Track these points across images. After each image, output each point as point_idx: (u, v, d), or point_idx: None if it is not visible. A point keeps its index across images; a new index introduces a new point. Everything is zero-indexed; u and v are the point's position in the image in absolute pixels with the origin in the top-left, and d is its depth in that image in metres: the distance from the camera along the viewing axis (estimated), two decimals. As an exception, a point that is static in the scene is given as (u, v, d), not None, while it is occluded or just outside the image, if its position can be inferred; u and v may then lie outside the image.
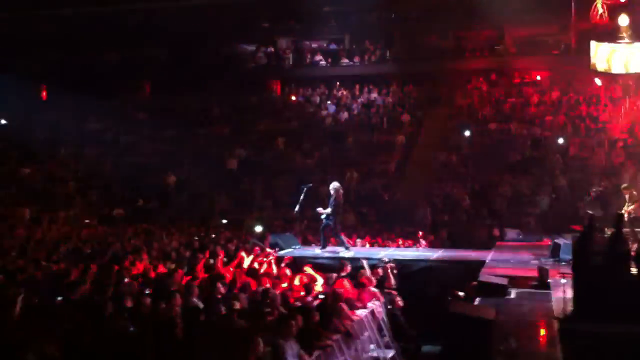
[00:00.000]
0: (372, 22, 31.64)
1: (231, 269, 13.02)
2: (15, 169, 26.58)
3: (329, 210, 15.51)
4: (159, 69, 32.75)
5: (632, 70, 21.66)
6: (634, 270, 9.85)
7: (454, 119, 27.37)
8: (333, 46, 33.38)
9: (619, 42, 21.15)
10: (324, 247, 15.87)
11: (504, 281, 12.25)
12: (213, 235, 18.01)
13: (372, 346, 10.90)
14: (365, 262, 13.67)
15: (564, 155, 23.73)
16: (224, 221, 21.90)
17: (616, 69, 21.75)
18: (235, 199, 24.37)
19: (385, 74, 31.39)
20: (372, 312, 11.46)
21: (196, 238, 17.29)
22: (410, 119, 28.15)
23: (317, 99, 31.44)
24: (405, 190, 23.40)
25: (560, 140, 24.39)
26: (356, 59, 32.30)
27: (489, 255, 15.27)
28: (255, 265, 13.42)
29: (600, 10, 21.68)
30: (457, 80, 29.72)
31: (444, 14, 29.73)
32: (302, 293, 11.29)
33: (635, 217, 14.59)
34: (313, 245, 17.06)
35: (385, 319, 11.84)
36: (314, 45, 33.73)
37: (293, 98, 32.20)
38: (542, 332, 9.89)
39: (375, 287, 12.40)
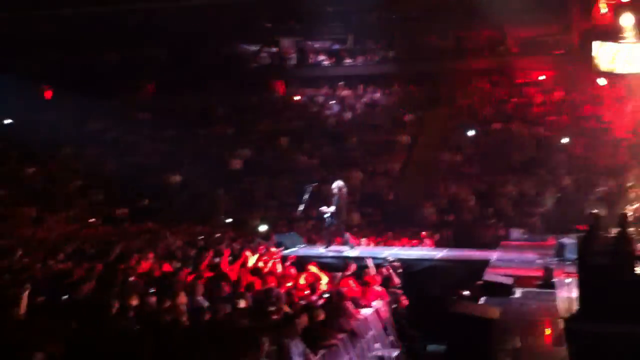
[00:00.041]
0: (375, 22, 31.62)
1: (236, 268, 13.01)
2: (19, 169, 26.63)
3: (332, 208, 15.51)
4: (161, 69, 32.77)
5: (636, 70, 21.65)
6: (638, 270, 9.85)
7: (458, 119, 27.36)
8: (336, 46, 33.38)
9: (623, 42, 21.14)
10: (327, 246, 15.88)
11: (509, 281, 12.25)
12: (217, 235, 18.01)
13: (376, 345, 10.89)
14: (370, 262, 13.67)
15: (569, 155, 23.71)
16: (228, 221, 21.93)
17: (620, 69, 21.74)
18: (238, 199, 24.39)
19: (388, 74, 31.39)
20: (377, 311, 11.45)
21: (201, 237, 17.29)
22: (414, 119, 28.14)
23: (320, 99, 31.45)
24: (410, 190, 23.39)
25: (565, 140, 24.36)
26: (359, 59, 32.30)
27: (493, 255, 15.26)
28: (260, 264, 13.41)
29: (604, 10, 21.69)
30: (460, 80, 29.72)
31: (446, 14, 29.72)
32: (307, 292, 11.28)
33: (640, 216, 14.60)
34: (317, 244, 17.05)
35: (390, 318, 11.83)
36: (317, 45, 33.73)
37: (296, 98, 32.22)
38: (547, 331, 9.89)
39: (380, 286, 12.40)
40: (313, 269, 12.86)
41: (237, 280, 11.55)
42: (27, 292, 9.17)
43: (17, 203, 23.02)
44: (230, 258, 13.73)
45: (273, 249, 14.93)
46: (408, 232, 19.64)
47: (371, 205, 22.79)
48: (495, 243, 17.78)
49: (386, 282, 12.87)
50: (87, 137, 28.55)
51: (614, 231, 11.06)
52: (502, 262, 14.39)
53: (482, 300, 11.63)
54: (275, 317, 9.44)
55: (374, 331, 10.93)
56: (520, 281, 12.54)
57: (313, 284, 11.67)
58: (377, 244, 18.36)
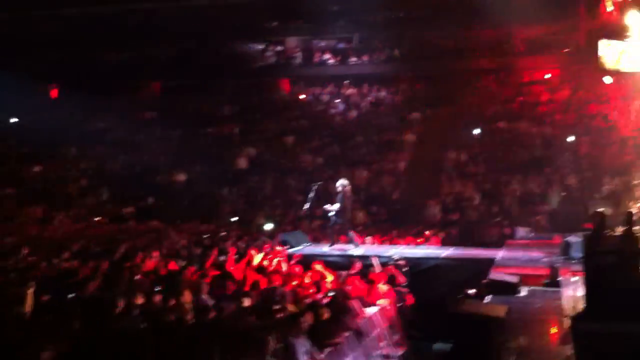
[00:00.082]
0: (381, 21, 31.59)
1: (241, 267, 13.04)
2: (25, 168, 26.71)
3: (336, 206, 15.50)
4: (166, 69, 32.80)
5: (642, 69, 21.58)
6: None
7: (463, 118, 27.31)
8: (341, 45, 33.37)
9: (628, 40, 21.06)
10: (332, 244, 15.88)
11: (515, 279, 12.24)
12: (223, 233, 18.04)
13: (382, 344, 10.89)
14: (375, 260, 13.67)
15: (575, 153, 23.66)
16: (234, 219, 21.96)
17: (626, 67, 21.67)
18: (244, 198, 24.42)
19: (394, 73, 31.37)
20: (382, 310, 11.45)
21: (206, 236, 17.32)
22: (420, 118, 28.12)
23: (326, 98, 31.45)
24: (415, 188, 23.36)
25: (570, 139, 24.32)
26: (365, 58, 32.28)
27: (499, 253, 15.26)
28: (265, 262, 13.43)
29: (610, 8, 21.62)
30: (466, 79, 29.66)
31: (452, 13, 29.64)
32: (312, 290, 11.28)
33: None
34: (323, 242, 17.06)
35: (396, 317, 11.82)
36: (322, 44, 33.73)
37: (302, 97, 32.23)
38: (553, 330, 9.88)
39: (385, 284, 12.40)
40: (318, 267, 12.87)
41: (243, 279, 11.57)
42: (32, 290, 9.22)
43: (23, 202, 23.10)
44: (236, 257, 13.76)
45: (278, 248, 14.95)
46: (413, 231, 19.62)
47: (376, 204, 22.79)
48: (501, 242, 17.78)
49: (391, 280, 12.87)
50: (92, 136, 28.61)
51: (620, 230, 11.01)
52: (508, 260, 14.38)
53: (487, 298, 11.63)
54: (280, 315, 9.45)
55: (379, 330, 10.92)
56: (526, 280, 12.54)
57: (318, 283, 11.69)
58: (382, 242, 18.35)
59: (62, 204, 23.23)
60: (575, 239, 14.33)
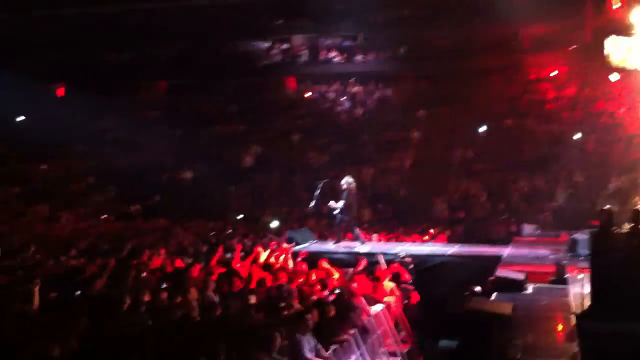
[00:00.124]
0: (387, 19, 31.54)
1: (247, 264, 13.05)
2: (32, 167, 26.80)
3: (340, 204, 15.51)
4: (172, 67, 32.84)
5: (648, 66, 21.45)
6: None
7: (470, 116, 27.26)
8: (347, 43, 33.34)
9: (635, 37, 20.96)
10: (338, 242, 15.89)
11: (521, 276, 12.22)
12: (229, 231, 18.08)
13: (388, 341, 10.89)
14: (381, 258, 13.67)
15: (581, 151, 23.60)
16: (240, 217, 22.00)
17: (632, 64, 21.56)
18: (250, 195, 24.45)
19: (399, 71, 31.33)
20: (388, 307, 11.44)
21: (212, 233, 17.36)
22: (426, 116, 28.08)
23: (332, 96, 31.44)
24: (421, 186, 23.35)
25: (577, 136, 24.26)
26: (371, 56, 32.25)
27: (505, 251, 15.26)
28: (272, 260, 13.44)
29: (616, 5, 21.52)
30: (473, 76, 29.59)
31: (459, 11, 29.58)
32: (318, 288, 11.29)
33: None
34: (329, 240, 17.08)
35: (401, 314, 11.82)
36: (328, 42, 33.71)
37: (308, 94, 32.22)
38: (559, 327, 9.86)
39: (391, 282, 12.40)
40: (324, 265, 12.88)
41: (249, 276, 11.58)
42: (37, 288, 9.24)
43: (30, 201, 23.17)
44: (242, 254, 13.78)
45: (285, 245, 14.96)
46: (419, 228, 19.62)
47: (382, 202, 22.79)
48: (508, 239, 17.76)
49: (397, 278, 12.87)
50: (99, 134, 28.68)
51: (626, 227, 10.98)
52: (514, 258, 14.36)
53: (494, 296, 11.61)
54: (286, 313, 9.46)
55: (385, 327, 10.92)
56: (532, 277, 12.51)
57: (324, 280, 11.68)
58: (388, 240, 18.35)
59: (68, 202, 23.28)
60: (582, 236, 14.32)
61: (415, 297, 12.73)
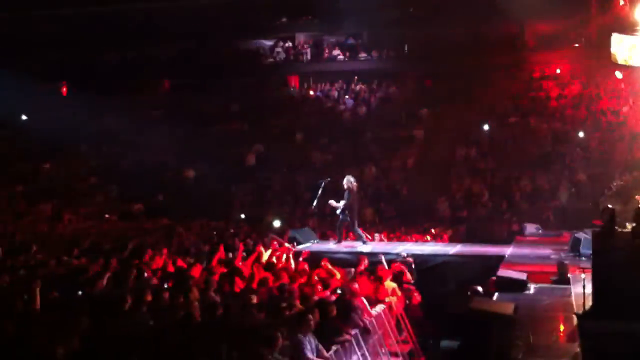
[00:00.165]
0: (390, 17, 31.50)
1: (249, 264, 13.05)
2: (35, 166, 26.85)
3: (341, 203, 15.51)
4: (175, 66, 32.86)
5: (651, 64, 21.38)
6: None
7: (473, 114, 27.23)
8: (350, 41, 33.32)
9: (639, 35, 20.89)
10: (339, 241, 15.88)
11: (523, 276, 12.20)
12: (232, 230, 18.09)
13: (389, 341, 10.88)
14: (383, 258, 13.66)
15: (585, 149, 23.56)
16: (243, 216, 22.00)
17: (636, 62, 21.48)
18: (253, 195, 24.45)
19: (403, 69, 31.30)
20: (390, 307, 11.43)
21: (214, 233, 17.37)
22: (429, 114, 28.05)
23: (335, 94, 31.43)
24: (424, 185, 23.33)
25: (581, 135, 24.22)
26: (374, 54, 32.23)
27: (508, 250, 15.22)
28: (274, 260, 13.44)
29: (621, 2, 21.46)
30: (476, 74, 29.55)
31: (463, 9, 29.54)
32: (320, 288, 11.28)
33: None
34: (331, 239, 17.07)
35: (403, 314, 11.81)
36: (332, 40, 33.71)
37: (311, 93, 32.22)
38: (561, 327, 9.84)
39: (393, 282, 12.38)
40: (326, 264, 12.87)
41: (251, 276, 11.59)
42: (38, 288, 9.26)
43: (32, 200, 23.21)
44: (244, 254, 13.79)
45: (287, 245, 14.96)
46: (422, 228, 19.59)
47: (385, 201, 22.77)
48: (510, 238, 17.74)
49: (399, 278, 12.85)
50: (102, 134, 28.72)
51: (629, 226, 10.94)
52: (517, 257, 14.34)
53: (496, 296, 11.59)
54: (288, 312, 9.46)
55: (387, 327, 10.92)
56: (534, 277, 12.49)
57: (326, 280, 11.68)
58: (390, 239, 18.34)
59: (71, 202, 23.32)
60: (584, 235, 14.26)
61: (417, 297, 12.71)
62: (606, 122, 24.94)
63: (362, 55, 32.39)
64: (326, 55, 33.04)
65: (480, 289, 12.20)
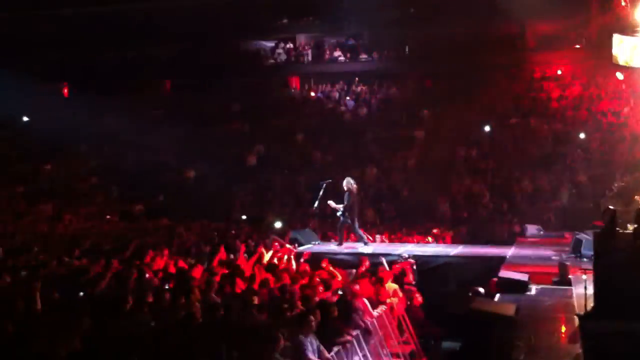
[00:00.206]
0: (391, 18, 31.49)
1: (250, 264, 13.05)
2: (35, 166, 26.85)
3: (341, 205, 15.53)
4: (176, 67, 32.86)
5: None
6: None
7: (474, 114, 27.22)
8: (351, 41, 33.32)
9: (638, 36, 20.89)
10: (340, 243, 15.89)
11: (525, 277, 12.19)
12: (233, 231, 18.09)
13: (390, 342, 10.88)
14: (384, 259, 13.67)
15: (586, 150, 23.55)
16: (244, 217, 22.00)
17: (638, 63, 21.48)
18: (254, 195, 24.45)
19: (404, 69, 31.30)
20: (391, 308, 11.44)
21: (215, 234, 17.37)
22: (430, 115, 28.04)
23: (336, 95, 31.43)
24: (425, 185, 23.31)
25: (582, 135, 24.21)
26: (375, 55, 32.23)
27: (509, 251, 15.21)
28: (275, 261, 13.44)
29: (623, 3, 21.44)
30: (477, 75, 29.53)
31: (464, 9, 29.52)
32: (321, 289, 11.28)
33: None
34: (332, 241, 17.07)
35: (404, 315, 11.81)
36: (333, 41, 33.71)
37: (312, 94, 32.22)
38: (563, 328, 9.83)
39: (394, 283, 12.38)
40: (327, 265, 12.87)
41: (252, 277, 11.58)
42: (38, 291, 9.26)
43: (33, 200, 23.22)
44: (245, 255, 13.79)
45: (288, 246, 14.96)
46: (423, 229, 19.58)
47: (386, 201, 22.76)
48: (511, 239, 17.73)
49: (400, 279, 12.85)
50: (103, 134, 28.72)
51: (631, 227, 10.94)
52: (518, 258, 14.33)
53: (497, 297, 11.59)
54: (289, 313, 9.45)
55: (388, 328, 10.92)
56: (535, 278, 12.48)
57: (327, 281, 11.68)
58: (391, 240, 18.33)
59: (72, 202, 23.32)
60: (585, 236, 14.25)
61: (418, 298, 12.71)
62: (607, 123, 24.92)
63: (363, 56, 32.39)
64: (327, 56, 33.04)
65: (481, 290, 12.21)
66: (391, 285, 12.08)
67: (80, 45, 31.94)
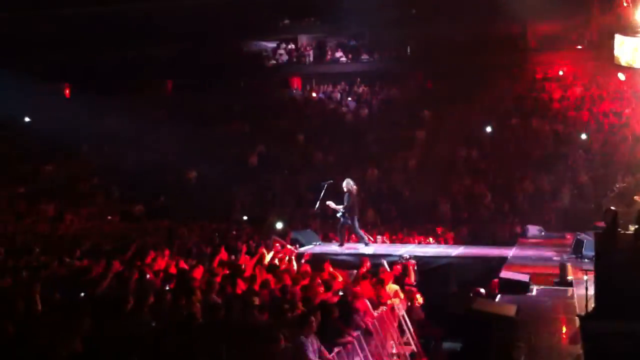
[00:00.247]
0: (392, 18, 31.49)
1: (251, 265, 13.04)
2: (36, 166, 26.87)
3: (341, 207, 15.55)
4: (177, 67, 32.87)
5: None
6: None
7: (475, 115, 27.21)
8: (353, 42, 33.33)
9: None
10: (341, 244, 15.89)
11: (526, 278, 12.19)
12: (234, 232, 18.08)
13: (392, 343, 10.87)
14: (385, 262, 13.67)
15: (587, 151, 23.54)
16: (245, 218, 21.99)
17: (639, 64, 21.47)
18: (255, 196, 24.44)
19: (405, 70, 31.29)
20: (392, 309, 11.43)
21: (217, 234, 17.37)
22: (431, 115, 28.03)
23: (338, 96, 31.43)
24: (426, 186, 23.30)
25: (583, 136, 24.20)
26: (376, 55, 32.22)
27: (510, 252, 15.22)
28: (276, 261, 13.44)
29: (625, 3, 21.43)
30: (479, 75, 29.52)
31: (465, 10, 29.52)
32: (322, 290, 11.27)
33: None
34: (333, 242, 17.07)
35: (405, 316, 11.80)
36: (334, 41, 33.71)
37: (313, 95, 32.22)
38: (564, 329, 9.83)
39: (395, 283, 12.37)
40: (328, 266, 12.86)
41: (253, 278, 11.58)
42: (38, 293, 9.26)
43: (35, 201, 23.23)
44: (246, 255, 13.78)
45: (289, 246, 14.95)
46: (424, 229, 19.58)
47: (387, 202, 22.75)
48: (512, 240, 17.73)
49: (402, 279, 12.84)
50: (104, 134, 28.73)
51: (632, 228, 10.93)
52: (519, 259, 14.33)
53: (498, 297, 11.59)
54: (290, 314, 9.45)
55: (389, 329, 10.90)
56: (536, 278, 12.48)
57: (328, 282, 11.67)
58: (392, 241, 18.33)
59: (73, 203, 23.32)
60: (586, 237, 14.25)
61: (419, 299, 12.71)
62: (608, 123, 24.91)
63: (364, 57, 32.39)
64: (328, 57, 33.05)
65: (482, 290, 12.21)
66: (392, 286, 12.07)
67: (81, 45, 31.95)
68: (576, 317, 9.75)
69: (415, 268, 13.61)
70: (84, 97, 29.21)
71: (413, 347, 11.42)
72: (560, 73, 29.70)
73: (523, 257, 14.70)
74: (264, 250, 13.91)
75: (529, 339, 9.14)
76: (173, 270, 12.37)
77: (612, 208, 11.56)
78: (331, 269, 12.70)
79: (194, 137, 27.90)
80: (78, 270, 12.16)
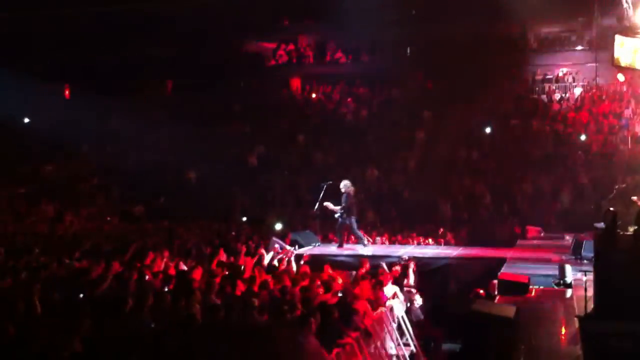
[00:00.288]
0: (393, 19, 31.48)
1: (251, 266, 13.05)
2: (37, 166, 26.86)
3: (339, 207, 15.56)
4: (177, 67, 32.86)
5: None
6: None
7: (475, 115, 27.20)
8: (353, 43, 33.30)
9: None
10: (340, 245, 15.89)
11: (525, 279, 12.19)
12: (234, 233, 18.09)
13: (391, 344, 10.87)
14: (384, 263, 13.68)
15: (587, 152, 23.54)
16: (244, 219, 21.99)
17: (639, 65, 21.48)
18: (255, 196, 24.43)
19: (405, 70, 31.29)
20: (392, 310, 11.43)
21: (216, 235, 17.37)
22: (431, 115, 28.02)
23: (337, 96, 31.41)
24: (426, 186, 23.29)
25: (583, 137, 24.20)
26: (376, 56, 32.20)
27: (509, 253, 15.21)
28: (275, 262, 13.44)
29: (625, 5, 21.44)
30: (478, 76, 29.51)
31: (465, 10, 29.50)
32: (321, 291, 11.27)
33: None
34: (333, 243, 17.07)
35: (405, 317, 11.81)
36: (335, 42, 33.70)
37: (313, 95, 32.21)
38: (563, 330, 9.84)
39: (395, 284, 12.38)
40: (327, 267, 12.86)
41: (252, 279, 11.58)
42: (37, 295, 9.27)
43: (35, 201, 23.22)
44: (246, 256, 13.78)
45: (288, 247, 14.96)
46: (423, 230, 19.57)
47: (387, 203, 22.74)
48: (512, 241, 17.73)
49: (401, 280, 12.85)
50: (105, 135, 28.73)
51: (631, 229, 10.94)
52: (519, 260, 14.33)
53: (497, 298, 11.59)
54: (289, 315, 9.45)
55: (389, 330, 10.91)
56: (536, 279, 12.48)
57: (327, 283, 11.67)
58: (391, 242, 18.33)
59: (73, 203, 23.32)
60: (586, 238, 14.26)
61: (418, 300, 12.71)
62: (608, 124, 24.91)
63: (364, 57, 32.36)
64: (328, 57, 33.03)
65: (482, 291, 12.21)
66: (391, 287, 12.07)
67: (81, 45, 31.92)
68: (575, 318, 9.75)
69: (415, 269, 13.61)
70: (84, 97, 29.18)
71: (412, 347, 11.42)
72: (560, 74, 29.70)
73: (523, 258, 14.69)
74: (263, 251, 13.93)
75: (529, 340, 9.15)
76: (172, 271, 12.38)
77: (612, 209, 11.58)
78: (330, 272, 12.70)
79: (194, 137, 27.87)
80: (78, 271, 12.16)
